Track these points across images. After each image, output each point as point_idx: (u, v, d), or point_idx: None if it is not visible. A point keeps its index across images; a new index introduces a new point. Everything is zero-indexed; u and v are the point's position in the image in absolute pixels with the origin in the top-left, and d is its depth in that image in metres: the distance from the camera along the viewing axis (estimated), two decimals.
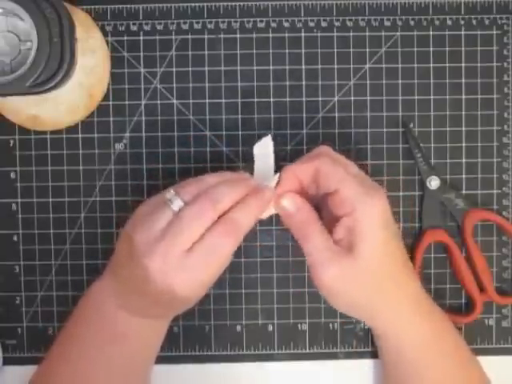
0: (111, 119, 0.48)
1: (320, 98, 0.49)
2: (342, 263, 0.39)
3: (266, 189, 0.40)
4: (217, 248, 0.37)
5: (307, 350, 0.49)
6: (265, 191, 0.39)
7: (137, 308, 0.40)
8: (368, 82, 0.49)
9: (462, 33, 0.49)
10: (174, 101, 0.49)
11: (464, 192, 0.49)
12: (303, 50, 0.49)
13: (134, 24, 0.48)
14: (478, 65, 0.49)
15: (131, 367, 0.42)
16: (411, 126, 0.49)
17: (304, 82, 0.49)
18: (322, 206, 0.43)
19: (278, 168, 0.42)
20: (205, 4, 0.48)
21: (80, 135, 0.48)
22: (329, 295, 0.41)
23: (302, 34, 0.49)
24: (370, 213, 0.38)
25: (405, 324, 0.42)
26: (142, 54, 0.48)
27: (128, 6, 0.48)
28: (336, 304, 0.42)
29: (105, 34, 0.48)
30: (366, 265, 0.39)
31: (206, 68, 0.48)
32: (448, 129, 0.49)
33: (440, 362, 0.43)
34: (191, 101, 0.49)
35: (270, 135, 0.43)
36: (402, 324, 0.42)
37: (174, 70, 0.48)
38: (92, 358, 0.41)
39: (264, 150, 0.42)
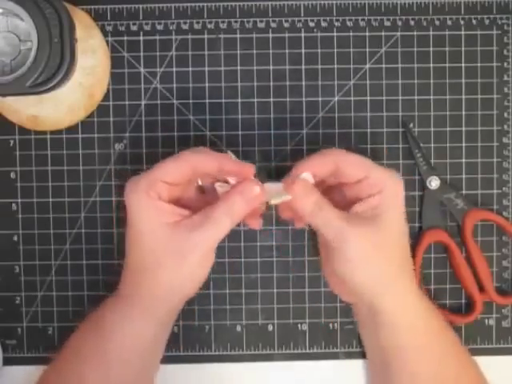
0: (111, 119, 0.48)
1: (320, 98, 0.49)
2: (364, 226, 0.40)
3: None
4: None
5: (307, 350, 0.49)
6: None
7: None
8: (368, 82, 0.49)
9: (462, 33, 0.49)
10: (174, 101, 0.49)
11: (464, 192, 0.49)
12: (303, 50, 0.49)
13: (134, 24, 0.48)
14: (478, 65, 0.49)
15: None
16: (411, 126, 0.49)
17: (304, 82, 0.49)
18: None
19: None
20: (205, 4, 0.48)
21: (80, 135, 0.48)
22: (352, 266, 0.40)
23: (302, 34, 0.49)
24: (395, 191, 0.42)
25: (407, 303, 0.42)
26: (142, 54, 0.48)
27: (128, 5, 0.48)
28: (355, 277, 0.41)
29: (105, 34, 0.48)
30: (388, 234, 0.40)
31: (206, 68, 0.48)
32: (448, 129, 0.49)
33: (436, 353, 0.43)
34: (191, 101, 0.48)
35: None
36: (403, 302, 0.42)
37: (174, 69, 0.48)
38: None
39: None
